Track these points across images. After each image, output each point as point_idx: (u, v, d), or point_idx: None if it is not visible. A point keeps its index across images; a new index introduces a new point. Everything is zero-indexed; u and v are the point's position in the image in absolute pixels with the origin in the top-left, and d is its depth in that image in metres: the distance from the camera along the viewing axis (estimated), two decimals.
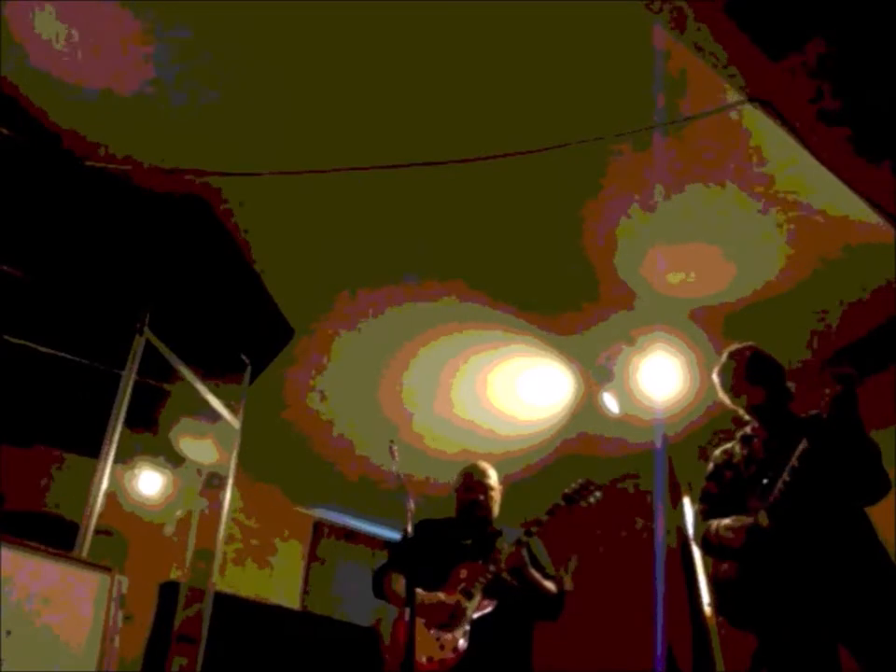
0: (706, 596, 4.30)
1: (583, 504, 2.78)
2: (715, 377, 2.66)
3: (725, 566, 2.38)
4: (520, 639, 2.74)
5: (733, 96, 2.89)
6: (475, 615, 2.57)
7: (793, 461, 2.23)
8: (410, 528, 2.28)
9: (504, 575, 2.63)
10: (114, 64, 3.05)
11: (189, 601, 3.93)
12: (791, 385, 2.45)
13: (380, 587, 2.83)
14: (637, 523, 4.99)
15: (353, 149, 3.27)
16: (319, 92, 3.13)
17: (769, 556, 2.23)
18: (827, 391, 2.21)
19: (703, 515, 2.53)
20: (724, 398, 2.63)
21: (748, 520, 2.30)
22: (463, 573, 2.65)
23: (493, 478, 2.98)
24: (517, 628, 2.71)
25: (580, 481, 2.82)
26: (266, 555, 5.75)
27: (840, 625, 2.13)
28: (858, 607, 2.10)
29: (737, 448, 2.56)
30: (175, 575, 4.24)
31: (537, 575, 2.70)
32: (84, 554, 2.75)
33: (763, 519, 2.24)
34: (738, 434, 2.61)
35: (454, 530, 2.83)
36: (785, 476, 2.23)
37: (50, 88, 3.12)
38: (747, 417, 2.58)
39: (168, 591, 3.99)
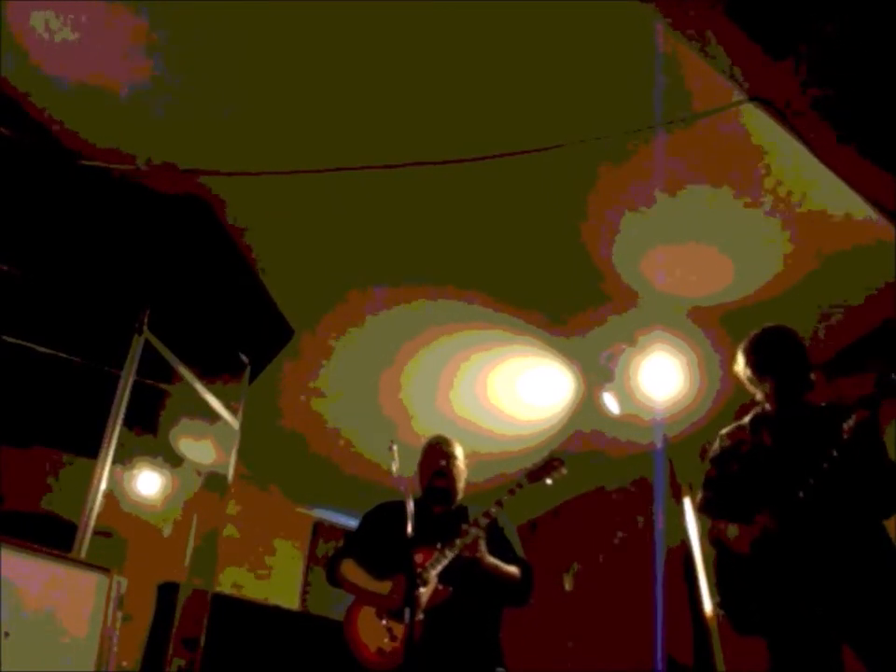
0: (706, 597, 4.29)
1: (548, 481, 2.68)
2: (740, 352, 2.59)
3: (732, 568, 2.36)
4: (483, 628, 2.57)
5: (734, 96, 2.88)
6: (431, 604, 2.40)
7: (819, 464, 2.21)
8: (410, 529, 2.25)
9: (464, 554, 2.48)
10: (114, 64, 3.04)
11: (188, 602, 3.92)
12: (813, 376, 2.43)
13: (333, 575, 2.77)
14: (639, 521, 4.98)
15: (353, 150, 3.26)
16: (320, 93, 3.13)
17: (782, 560, 2.22)
18: (853, 418, 2.18)
19: (706, 503, 2.51)
20: (743, 374, 2.57)
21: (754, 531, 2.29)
22: (419, 558, 2.46)
23: (457, 449, 2.88)
24: (479, 617, 2.54)
25: (544, 457, 2.73)
26: (265, 556, 5.74)
27: (849, 628, 2.13)
28: (867, 609, 2.10)
29: (747, 432, 2.52)
30: (173, 576, 4.22)
31: (496, 562, 2.56)
32: (83, 555, 2.75)
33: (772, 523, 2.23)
34: (749, 416, 2.56)
35: (415, 511, 2.42)
36: (801, 493, 2.22)
37: (50, 87, 3.11)
38: (759, 397, 2.54)
39: (167, 591, 3.97)
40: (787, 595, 2.19)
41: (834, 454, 2.19)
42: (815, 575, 2.15)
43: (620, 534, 5.14)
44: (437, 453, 2.85)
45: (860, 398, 2.21)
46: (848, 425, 2.20)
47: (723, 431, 2.61)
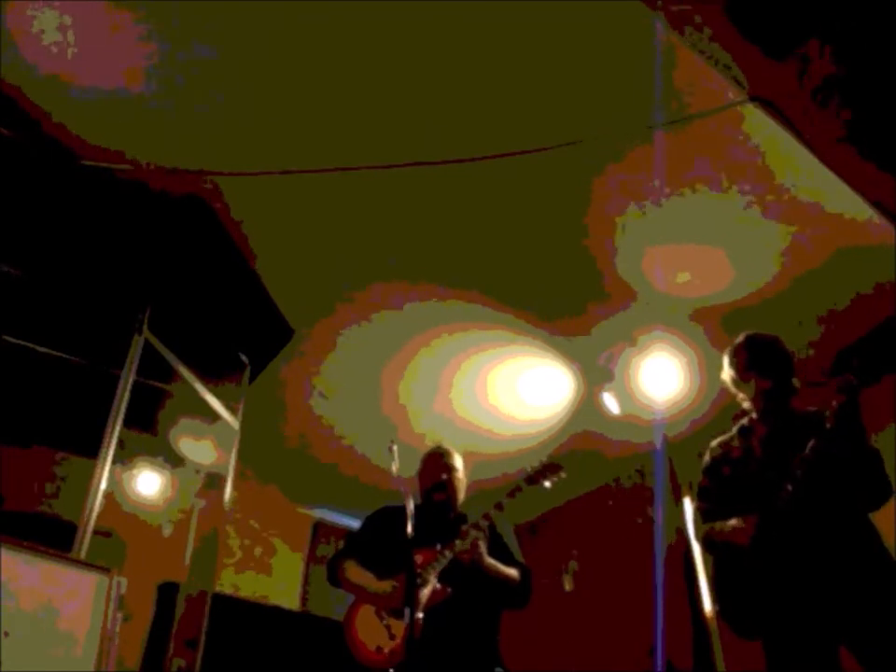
0: (706, 597, 4.29)
1: (546, 484, 2.66)
2: (726, 358, 2.60)
3: (728, 570, 2.37)
4: (481, 629, 2.57)
5: (733, 95, 2.88)
6: (430, 604, 2.41)
7: (795, 470, 2.22)
8: (410, 529, 2.25)
9: (462, 556, 2.49)
10: (114, 64, 3.04)
11: (188, 602, 3.92)
12: (796, 381, 2.44)
13: (334, 575, 2.77)
14: (638, 522, 4.98)
15: (354, 149, 3.27)
16: (321, 92, 3.12)
17: (774, 560, 2.22)
18: (834, 403, 2.20)
19: (702, 514, 2.52)
20: (728, 379, 2.58)
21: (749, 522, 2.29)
22: (419, 559, 2.46)
23: (458, 460, 2.88)
24: (478, 617, 2.56)
25: (542, 461, 2.71)
26: (266, 556, 5.74)
27: (844, 630, 2.13)
28: (863, 611, 2.10)
29: (735, 441, 2.54)
30: (173, 576, 4.22)
31: (495, 564, 2.56)
32: (83, 555, 2.75)
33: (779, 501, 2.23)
34: (736, 426, 2.58)
35: (415, 516, 2.42)
36: (788, 485, 2.22)
37: (50, 88, 3.11)
38: (746, 405, 2.55)
39: (167, 591, 3.98)
40: (782, 598, 2.19)
41: (818, 442, 2.21)
42: (808, 577, 2.15)
43: (620, 534, 5.14)
44: (438, 464, 2.84)
45: (836, 385, 2.22)
46: (829, 412, 2.22)
47: (713, 443, 2.62)
